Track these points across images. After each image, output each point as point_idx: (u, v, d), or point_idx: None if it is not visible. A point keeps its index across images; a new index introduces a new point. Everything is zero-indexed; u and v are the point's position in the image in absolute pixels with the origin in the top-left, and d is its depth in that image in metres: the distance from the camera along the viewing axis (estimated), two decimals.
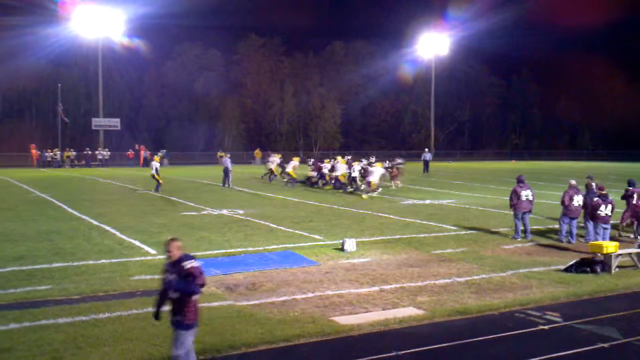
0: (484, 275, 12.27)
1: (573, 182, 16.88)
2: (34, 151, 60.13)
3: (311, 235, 16.78)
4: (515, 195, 16.74)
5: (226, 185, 32.76)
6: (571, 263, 12.88)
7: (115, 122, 68.16)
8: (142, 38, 71.43)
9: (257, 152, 70.05)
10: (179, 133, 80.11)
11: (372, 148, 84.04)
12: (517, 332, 8.87)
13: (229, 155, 35.06)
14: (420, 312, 9.71)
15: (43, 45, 66.57)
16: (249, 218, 20.23)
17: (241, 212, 21.85)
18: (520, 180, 17.10)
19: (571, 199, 16.31)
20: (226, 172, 33.16)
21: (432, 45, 79.21)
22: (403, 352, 7.99)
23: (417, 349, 8.10)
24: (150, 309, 9.58)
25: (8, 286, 10.93)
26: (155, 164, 30.18)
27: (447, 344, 8.32)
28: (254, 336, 8.46)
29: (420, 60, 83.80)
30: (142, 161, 60.45)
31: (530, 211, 16.91)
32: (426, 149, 53.37)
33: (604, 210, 15.36)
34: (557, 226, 18.63)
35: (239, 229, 18.00)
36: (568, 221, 16.39)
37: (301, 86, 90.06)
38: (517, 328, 9.04)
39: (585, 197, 16.58)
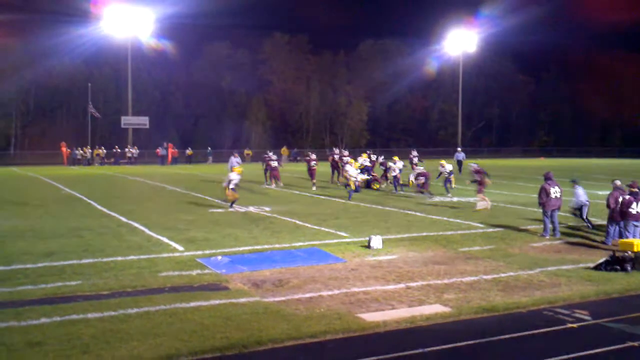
0: (511, 273, 12.17)
1: (618, 182, 16.00)
2: (64, 149, 61.01)
3: (337, 233, 16.80)
4: (544, 192, 16.55)
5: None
6: (601, 261, 12.71)
7: (144, 121, 68.93)
8: (171, 37, 72.08)
9: (284, 150, 70.23)
10: (207, 131, 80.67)
11: (399, 146, 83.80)
12: (545, 330, 8.78)
13: (236, 154, 34.05)
14: (446, 309, 9.66)
15: (75, 45, 67.53)
16: (275, 215, 20.30)
17: (268, 209, 21.94)
18: (548, 178, 16.90)
19: (617, 202, 15.38)
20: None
21: (460, 42, 78.71)
22: (429, 349, 7.96)
23: (443, 347, 8.07)
24: (179, 305, 9.74)
25: (39, 281, 11.12)
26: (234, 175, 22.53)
27: (473, 342, 8.27)
28: (280, 332, 8.50)
29: (448, 57, 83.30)
30: (170, 159, 61.09)
31: (559, 208, 16.72)
32: (459, 148, 52.22)
33: (635, 208, 15.11)
34: (585, 224, 18.42)
35: (266, 225, 18.08)
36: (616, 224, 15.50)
37: (327, 84, 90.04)
38: (545, 326, 8.95)
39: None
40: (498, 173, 43.60)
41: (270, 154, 34.28)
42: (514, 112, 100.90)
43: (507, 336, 8.49)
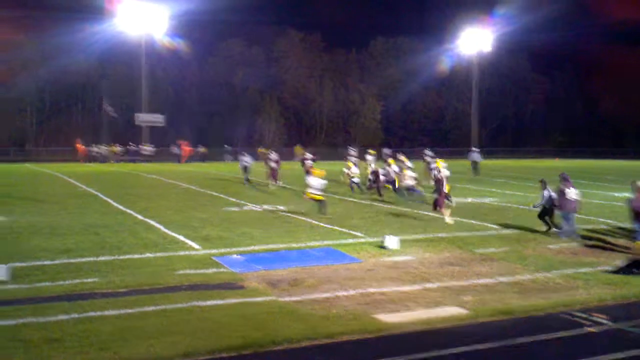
0: (528, 275, 12.11)
1: None
2: (80, 146, 61.36)
3: (352, 232, 16.78)
4: (561, 194, 16.45)
5: (246, 183, 31.71)
6: (619, 264, 12.62)
7: (159, 118, 69.10)
8: (185, 34, 72.21)
9: (298, 148, 70.17)
10: (221, 129, 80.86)
11: (413, 145, 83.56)
12: (563, 334, 8.72)
13: (244, 153, 33.92)
14: (463, 311, 9.63)
15: (89, 42, 67.88)
16: (290, 214, 20.31)
17: (282, 208, 21.96)
18: (564, 179, 16.80)
19: None
20: (245, 168, 32.62)
21: (475, 41, 78.43)
22: (446, 351, 7.92)
23: (460, 349, 8.03)
24: (195, 303, 9.78)
25: (57, 278, 11.20)
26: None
27: (491, 344, 8.23)
28: (296, 332, 8.50)
29: (462, 56, 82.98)
30: (185, 157, 61.27)
31: (575, 210, 16.59)
32: (474, 148, 51.28)
33: None
34: (602, 226, 18.34)
35: (281, 225, 18.10)
36: None
37: (340, 82, 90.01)
38: (562, 329, 8.89)
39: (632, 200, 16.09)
40: (513, 174, 43.43)
41: (272, 153, 33.73)
42: (529, 112, 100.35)
43: (524, 339, 8.45)
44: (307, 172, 29.95)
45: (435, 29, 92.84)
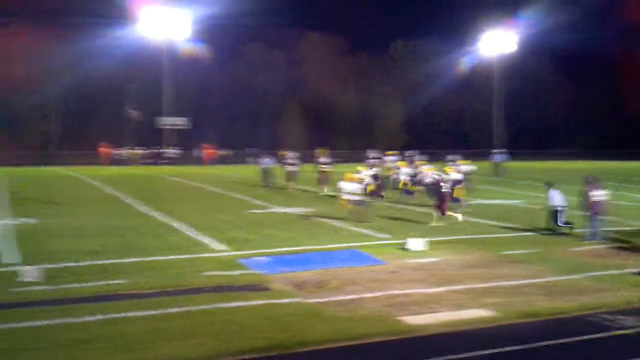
0: (553, 278, 11.99)
1: None
2: (104, 149, 61.96)
3: (376, 235, 16.76)
4: (586, 196, 16.29)
5: (265, 185, 31.46)
6: None
7: (182, 121, 69.63)
8: (208, 38, 72.60)
9: (320, 151, 70.09)
10: (244, 132, 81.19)
11: (435, 147, 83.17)
12: (589, 337, 8.62)
13: (263, 155, 33.73)
14: (489, 313, 9.56)
15: (112, 48, 68.54)
16: (314, 216, 20.32)
17: (307, 210, 21.98)
18: (589, 181, 16.64)
19: None
20: (265, 171, 32.39)
21: (497, 42, 78.03)
22: (471, 354, 7.87)
23: (486, 352, 7.96)
24: (220, 305, 9.82)
25: (83, 280, 11.33)
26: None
27: (517, 347, 8.15)
28: (321, 333, 8.51)
29: (482, 58, 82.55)
30: (207, 160, 61.63)
31: (601, 212, 16.40)
32: (497, 150, 50.67)
33: None
34: (629, 228, 18.12)
35: (305, 227, 18.13)
36: None
37: (362, 85, 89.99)
38: (589, 332, 8.79)
39: None
40: (537, 176, 43.02)
41: (289, 155, 33.16)
42: (551, 114, 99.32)
43: (551, 342, 8.36)
44: (320, 179, 29.91)
45: (456, 31, 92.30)
